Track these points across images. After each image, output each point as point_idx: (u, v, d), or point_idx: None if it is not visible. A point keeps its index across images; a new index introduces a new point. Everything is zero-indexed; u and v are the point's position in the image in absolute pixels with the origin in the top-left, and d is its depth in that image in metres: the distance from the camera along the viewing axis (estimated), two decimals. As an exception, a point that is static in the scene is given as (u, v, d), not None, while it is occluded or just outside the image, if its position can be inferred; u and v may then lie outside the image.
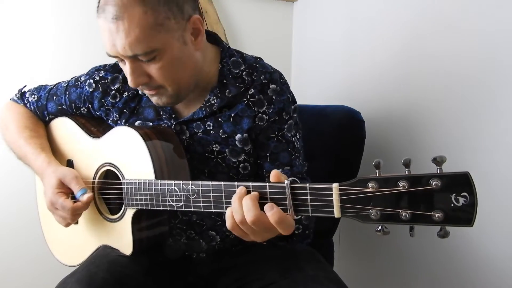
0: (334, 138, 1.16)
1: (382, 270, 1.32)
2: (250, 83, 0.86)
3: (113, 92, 0.92)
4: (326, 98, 1.53)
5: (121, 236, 0.84)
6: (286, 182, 0.59)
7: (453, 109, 1.05)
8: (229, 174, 0.88)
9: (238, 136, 0.85)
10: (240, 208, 0.61)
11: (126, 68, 0.76)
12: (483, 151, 0.98)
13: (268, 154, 0.87)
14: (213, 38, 0.90)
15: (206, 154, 0.86)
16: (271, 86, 0.86)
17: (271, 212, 0.59)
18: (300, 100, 0.99)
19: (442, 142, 1.08)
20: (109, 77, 0.92)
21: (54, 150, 0.96)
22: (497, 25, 0.93)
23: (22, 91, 1.03)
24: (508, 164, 0.93)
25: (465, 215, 0.47)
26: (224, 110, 0.86)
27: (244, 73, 0.86)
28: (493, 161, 0.96)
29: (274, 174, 0.62)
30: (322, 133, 1.13)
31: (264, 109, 0.85)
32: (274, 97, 0.85)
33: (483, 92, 0.98)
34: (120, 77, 0.91)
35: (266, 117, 0.85)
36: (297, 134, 0.90)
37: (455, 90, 1.04)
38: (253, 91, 0.85)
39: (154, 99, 0.82)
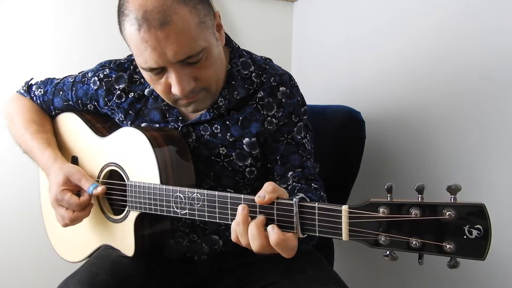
0: (334, 138, 1.15)
1: (382, 270, 1.32)
2: (259, 85, 0.84)
3: (118, 92, 0.90)
4: (326, 98, 1.52)
5: (123, 237, 0.83)
6: (294, 199, 0.58)
7: (453, 109, 1.04)
8: (235, 178, 0.87)
9: (246, 140, 0.84)
10: (245, 234, 0.61)
11: (170, 78, 0.72)
12: (481, 150, 0.98)
13: (278, 157, 0.85)
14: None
15: (212, 158, 0.85)
16: (280, 88, 0.84)
17: (271, 233, 0.59)
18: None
19: (442, 142, 1.07)
20: (113, 76, 0.90)
21: (59, 145, 0.95)
22: (500, 25, 0.91)
23: (29, 83, 1.02)
24: (509, 163, 0.92)
25: (478, 248, 0.46)
26: (232, 113, 0.84)
27: (253, 74, 0.84)
28: (492, 161, 0.95)
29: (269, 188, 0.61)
30: (322, 133, 1.12)
31: (273, 112, 0.83)
32: (283, 100, 0.84)
33: (483, 92, 0.96)
34: (126, 76, 0.90)
35: (275, 121, 0.83)
36: (307, 135, 0.88)
37: (456, 90, 1.03)
38: (262, 93, 0.83)
39: (191, 107, 0.78)
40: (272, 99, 0.83)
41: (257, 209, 0.62)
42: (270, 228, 0.59)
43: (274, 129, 0.84)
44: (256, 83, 0.84)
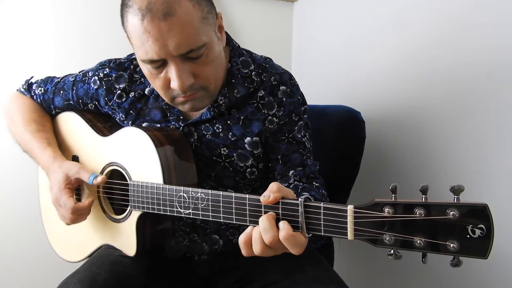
0: (334, 138, 1.16)
1: (382, 270, 1.33)
2: (259, 84, 0.85)
3: (119, 91, 0.90)
4: (326, 98, 1.53)
5: (124, 237, 0.83)
6: (300, 199, 0.58)
7: (453, 109, 1.05)
8: (235, 179, 0.87)
9: (248, 139, 0.84)
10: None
11: (170, 72, 0.72)
12: (481, 149, 0.99)
13: (279, 157, 0.86)
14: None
15: (214, 158, 0.85)
16: (281, 87, 0.85)
17: (281, 228, 0.59)
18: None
19: (442, 141, 1.09)
20: (113, 75, 0.90)
21: (59, 144, 0.95)
22: (499, 23, 0.93)
23: (29, 82, 1.01)
24: (510, 162, 0.94)
25: (481, 247, 0.47)
26: (233, 112, 0.85)
27: (253, 73, 0.85)
28: (493, 160, 0.97)
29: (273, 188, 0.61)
30: (322, 133, 1.13)
31: (274, 111, 0.84)
32: (284, 99, 0.85)
33: (483, 91, 0.98)
34: (126, 75, 0.90)
35: (276, 120, 0.84)
36: (307, 134, 0.89)
37: (455, 89, 1.04)
38: (262, 93, 0.84)
39: (188, 105, 0.78)
40: (273, 98, 0.84)
41: (262, 209, 0.62)
42: (281, 223, 0.59)
43: (275, 128, 0.85)
44: (256, 82, 0.85)
